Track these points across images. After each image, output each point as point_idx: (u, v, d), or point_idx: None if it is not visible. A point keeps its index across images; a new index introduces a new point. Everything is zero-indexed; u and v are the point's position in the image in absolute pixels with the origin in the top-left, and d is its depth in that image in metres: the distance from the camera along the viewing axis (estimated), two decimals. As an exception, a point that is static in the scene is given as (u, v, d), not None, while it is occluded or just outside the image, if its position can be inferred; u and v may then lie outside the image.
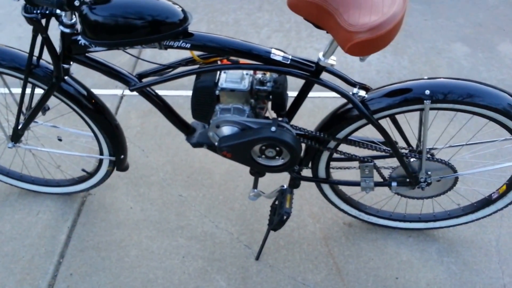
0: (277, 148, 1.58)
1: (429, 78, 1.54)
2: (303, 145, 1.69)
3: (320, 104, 2.63)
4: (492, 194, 1.88)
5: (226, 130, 1.61)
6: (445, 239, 2.05)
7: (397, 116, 1.65)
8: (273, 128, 1.53)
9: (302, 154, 1.77)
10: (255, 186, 1.83)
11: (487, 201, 1.90)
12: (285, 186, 1.77)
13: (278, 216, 1.67)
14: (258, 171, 1.78)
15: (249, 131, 1.57)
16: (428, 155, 1.73)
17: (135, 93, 2.50)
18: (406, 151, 1.72)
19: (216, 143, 1.63)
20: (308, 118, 2.55)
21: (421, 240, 2.04)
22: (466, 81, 1.54)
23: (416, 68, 3.01)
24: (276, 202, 1.75)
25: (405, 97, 1.53)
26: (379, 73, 2.97)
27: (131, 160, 2.33)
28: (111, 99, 2.61)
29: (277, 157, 1.63)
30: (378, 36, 1.24)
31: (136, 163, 2.33)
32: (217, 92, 1.55)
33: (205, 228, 2.07)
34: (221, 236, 2.04)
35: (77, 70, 2.65)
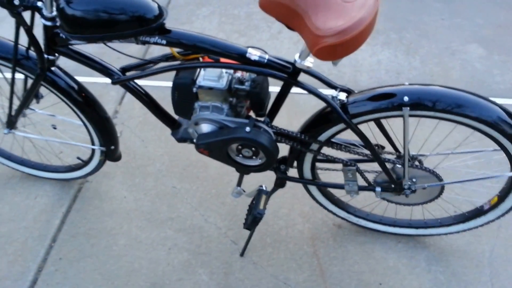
0: (253, 148, 1.57)
1: (410, 84, 1.49)
2: (288, 146, 1.68)
3: (300, 101, 2.60)
4: (484, 205, 1.82)
5: (204, 127, 1.61)
6: (436, 247, 2.00)
7: (382, 120, 1.61)
8: (247, 129, 1.53)
9: (287, 154, 1.76)
10: (239, 183, 1.83)
11: (478, 212, 1.83)
12: (264, 187, 1.76)
13: (251, 216, 1.66)
14: (238, 170, 1.78)
15: (225, 130, 1.57)
16: (416, 162, 1.69)
17: (143, 83, 2.55)
18: (389, 157, 1.68)
19: (194, 140, 1.63)
20: (303, 115, 2.52)
21: (410, 247, 2.00)
22: (453, 89, 1.49)
23: (427, 69, 2.91)
24: (254, 202, 1.74)
25: (384, 102, 1.49)
26: (388, 73, 2.89)
27: (130, 149, 2.37)
28: (116, 88, 2.65)
29: (254, 157, 1.62)
30: (344, 41, 1.21)
31: (135, 153, 2.37)
32: (194, 89, 1.55)
33: (194, 221, 2.09)
34: (209, 230, 2.06)
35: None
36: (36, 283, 1.89)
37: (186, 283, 1.88)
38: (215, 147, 1.59)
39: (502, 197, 1.72)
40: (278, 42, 3.10)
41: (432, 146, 2.13)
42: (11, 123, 1.91)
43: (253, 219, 1.65)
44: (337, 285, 1.88)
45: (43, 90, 1.84)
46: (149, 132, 2.48)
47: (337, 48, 1.24)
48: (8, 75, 1.80)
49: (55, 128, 2.05)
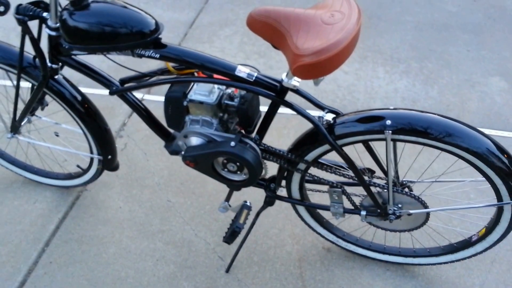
0: (237, 163, 1.61)
1: (394, 109, 1.52)
2: (277, 164, 1.71)
3: (292, 119, 2.62)
4: (472, 236, 1.80)
5: (193, 140, 1.65)
6: (425, 277, 1.98)
7: (372, 144, 1.63)
8: (232, 143, 1.56)
9: (276, 173, 1.79)
10: (227, 199, 1.85)
11: (467, 243, 1.82)
12: (248, 202, 1.78)
13: (230, 229, 1.69)
14: (224, 184, 1.81)
15: (212, 144, 1.61)
16: (406, 189, 1.70)
17: (154, 98, 2.62)
18: (374, 181, 1.69)
19: (182, 153, 1.68)
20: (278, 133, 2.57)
21: (398, 275, 1.98)
22: (440, 116, 1.50)
23: (444, 99, 2.91)
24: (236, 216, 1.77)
25: (368, 125, 1.51)
26: (404, 100, 2.90)
27: (131, 162, 2.43)
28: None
29: (238, 172, 1.65)
30: (319, 61, 1.25)
31: (136, 165, 2.42)
32: (185, 103, 1.60)
33: (184, 235, 2.11)
34: (198, 244, 2.08)
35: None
36: (24, 284, 1.93)
37: (170, 295, 1.90)
38: (201, 159, 1.63)
39: (490, 228, 1.71)
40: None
41: (420, 171, 2.13)
42: (15, 127, 1.99)
43: (231, 232, 1.68)
44: (320, 308, 1.87)
45: (48, 98, 1.92)
46: (152, 146, 2.54)
47: (313, 67, 1.28)
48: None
49: (57, 135, 2.13)
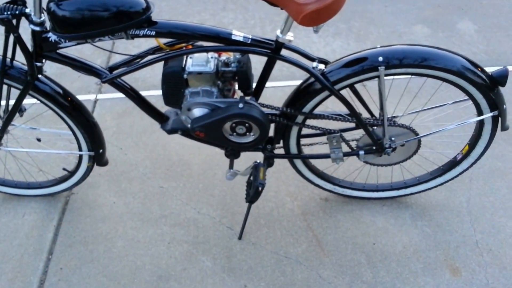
0: (247, 124, 1.67)
1: (381, 46, 1.65)
2: (273, 124, 1.78)
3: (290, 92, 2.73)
4: (457, 156, 1.99)
5: (197, 111, 1.69)
6: (418, 205, 2.15)
7: (357, 87, 1.75)
8: (240, 105, 1.62)
9: (272, 132, 1.86)
10: (231, 166, 1.91)
11: (452, 163, 2.00)
12: (259, 161, 1.85)
13: (253, 189, 1.75)
14: (232, 152, 1.87)
15: (219, 110, 1.66)
16: (390, 122, 1.84)
17: (108, 96, 2.57)
18: (369, 120, 1.82)
19: (189, 125, 1.71)
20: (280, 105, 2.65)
21: (394, 208, 2.14)
22: (419, 46, 1.65)
23: (381, 51, 3.13)
24: (251, 178, 1.83)
25: (361, 65, 1.63)
26: (345, 59, 3.08)
27: (110, 158, 2.39)
28: (85, 104, 2.66)
29: (247, 134, 1.71)
30: (325, 5, 1.35)
31: (115, 161, 2.40)
32: (185, 76, 1.64)
33: (187, 215, 2.14)
34: (203, 221, 2.11)
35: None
36: (41, 294, 1.88)
37: (192, 271, 1.93)
38: (211, 127, 1.67)
39: (472, 144, 1.90)
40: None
41: (403, 108, 2.30)
42: (-3, 138, 1.91)
43: (255, 191, 1.74)
44: (334, 251, 1.98)
45: (25, 102, 1.86)
46: (125, 140, 2.52)
47: (319, 13, 1.38)
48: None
49: (39, 140, 2.06)
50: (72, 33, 1.49)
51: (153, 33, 1.54)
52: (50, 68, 2.93)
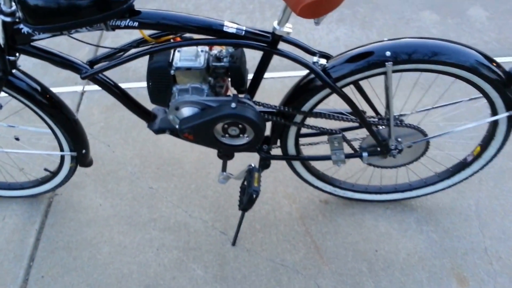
0: (240, 126, 1.53)
1: (389, 40, 1.50)
2: (269, 123, 1.64)
3: (289, 84, 2.58)
4: (467, 157, 1.85)
5: (186, 111, 1.55)
6: (424, 208, 2.01)
7: (362, 83, 1.60)
8: (233, 105, 1.48)
9: (268, 132, 1.72)
10: (223, 169, 1.77)
11: (462, 165, 1.86)
12: (253, 165, 1.71)
13: (247, 196, 1.61)
14: (225, 153, 1.73)
15: (210, 110, 1.51)
16: (397, 121, 1.70)
17: (96, 88, 2.42)
18: (374, 119, 1.68)
19: (177, 126, 1.56)
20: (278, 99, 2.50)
21: (399, 211, 2.01)
22: (429, 39, 1.50)
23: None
24: (245, 183, 1.69)
25: (366, 61, 1.48)
26: (347, 48, 2.90)
27: (97, 156, 2.26)
28: (71, 96, 2.53)
29: (241, 135, 1.57)
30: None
31: (102, 159, 2.25)
32: (172, 72, 1.49)
33: (178, 218, 2.01)
34: (195, 225, 1.98)
35: (33, 69, 2.58)
36: (19, 305, 1.75)
37: (181, 280, 1.80)
38: (200, 129, 1.53)
39: (484, 145, 1.76)
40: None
41: (411, 105, 2.15)
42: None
43: (249, 198, 1.60)
44: (334, 259, 1.85)
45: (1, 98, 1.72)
46: (113, 136, 2.37)
47: (321, 3, 1.23)
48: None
49: (17, 139, 1.92)
50: (45, 25, 1.34)
51: (136, 24, 1.39)
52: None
